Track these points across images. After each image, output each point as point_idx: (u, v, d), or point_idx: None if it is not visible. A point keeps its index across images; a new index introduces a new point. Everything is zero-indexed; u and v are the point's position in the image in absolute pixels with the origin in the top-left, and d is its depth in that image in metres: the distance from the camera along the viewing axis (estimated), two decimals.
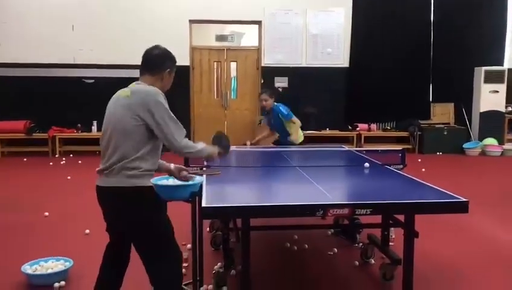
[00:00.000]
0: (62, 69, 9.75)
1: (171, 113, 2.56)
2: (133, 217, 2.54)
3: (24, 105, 9.63)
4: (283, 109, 5.67)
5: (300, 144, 5.74)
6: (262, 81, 10.28)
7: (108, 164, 2.52)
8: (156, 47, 2.75)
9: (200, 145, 2.72)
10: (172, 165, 2.93)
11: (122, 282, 2.82)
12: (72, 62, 9.77)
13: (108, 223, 2.70)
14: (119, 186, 2.49)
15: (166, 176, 3.02)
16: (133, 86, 2.63)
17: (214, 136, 3.23)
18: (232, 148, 5.59)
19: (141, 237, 2.60)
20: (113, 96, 2.66)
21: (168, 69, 2.72)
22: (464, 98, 10.56)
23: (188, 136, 9.76)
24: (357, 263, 3.91)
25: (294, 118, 5.65)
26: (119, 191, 2.50)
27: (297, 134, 5.73)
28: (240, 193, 3.31)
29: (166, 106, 2.55)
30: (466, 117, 10.56)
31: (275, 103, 5.74)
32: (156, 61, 2.69)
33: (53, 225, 5.02)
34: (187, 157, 3.75)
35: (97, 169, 2.61)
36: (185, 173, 2.87)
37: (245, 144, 5.72)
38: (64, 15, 9.72)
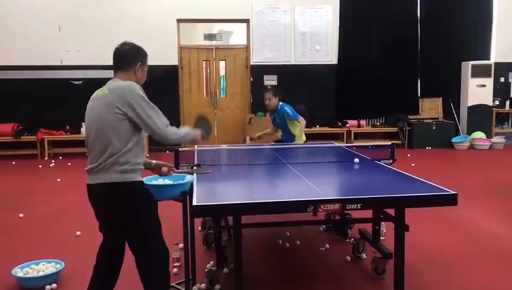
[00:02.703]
0: (49, 71, 9.69)
1: (151, 103, 2.62)
2: (124, 210, 2.57)
3: (11, 108, 9.55)
4: (288, 109, 5.55)
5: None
6: (251, 80, 10.29)
7: (99, 162, 2.54)
8: (124, 43, 2.78)
9: (184, 131, 2.84)
10: (154, 162, 3.00)
11: (116, 282, 2.81)
12: (59, 64, 9.71)
13: (100, 221, 2.70)
14: (111, 182, 2.52)
15: (157, 175, 3.02)
16: (109, 83, 2.67)
17: (197, 118, 3.32)
18: (223, 146, 5.61)
19: (130, 231, 2.63)
20: (91, 97, 2.70)
21: (139, 62, 2.74)
22: (451, 92, 10.66)
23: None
24: (348, 258, 3.94)
25: (300, 118, 5.53)
26: (111, 186, 2.53)
27: (300, 134, 5.60)
28: (230, 191, 3.31)
29: (145, 96, 2.60)
30: (454, 111, 10.65)
31: (280, 103, 5.63)
32: (126, 56, 2.72)
33: (44, 227, 4.99)
34: (176, 155, 3.76)
35: (86, 168, 2.62)
36: (164, 169, 2.97)
37: (247, 140, 5.60)
38: (50, 16, 9.65)
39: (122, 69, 2.71)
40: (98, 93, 2.66)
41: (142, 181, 2.64)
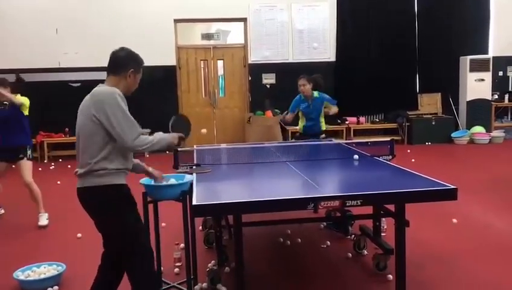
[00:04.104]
0: (47, 74, 9.67)
1: (127, 113, 2.56)
2: (103, 214, 2.61)
3: None
4: (327, 95, 5.76)
5: (324, 131, 5.83)
6: (249, 78, 10.28)
7: (79, 167, 2.61)
8: (122, 49, 2.77)
9: (157, 137, 2.68)
10: (150, 168, 3.00)
11: (119, 282, 2.81)
12: (57, 66, 9.70)
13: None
14: (89, 186, 2.57)
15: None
16: (94, 88, 2.67)
17: (171, 122, 3.08)
18: (222, 145, 5.60)
19: (112, 234, 2.66)
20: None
21: (132, 69, 2.73)
22: (450, 87, 10.65)
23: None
24: (350, 254, 3.94)
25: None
26: (90, 190, 2.58)
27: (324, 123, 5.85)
28: (230, 190, 3.31)
29: (122, 105, 2.56)
30: (453, 106, 10.65)
31: (316, 91, 5.73)
32: (120, 62, 2.72)
33: (44, 230, 5.00)
34: (176, 155, 3.74)
35: (74, 172, 2.66)
36: (156, 172, 3.00)
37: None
38: (47, 18, 9.63)
39: (113, 73, 2.72)
40: (85, 99, 2.67)
41: (121, 184, 2.62)
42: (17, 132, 5.04)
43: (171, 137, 2.81)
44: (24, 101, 5.13)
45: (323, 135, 5.74)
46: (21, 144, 5.09)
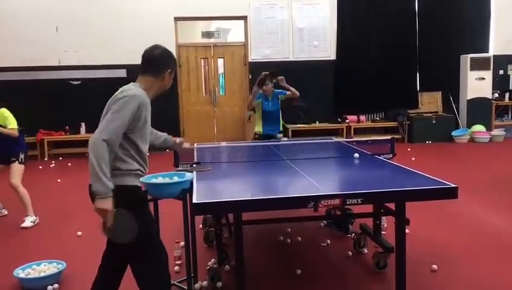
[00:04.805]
0: (47, 72, 9.67)
1: (123, 116, 2.37)
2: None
3: (10, 109, 9.51)
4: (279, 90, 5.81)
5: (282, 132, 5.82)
6: (250, 77, 10.27)
7: None
8: (157, 47, 2.67)
9: (104, 172, 2.29)
10: (178, 139, 3.12)
11: (120, 282, 2.79)
12: (57, 64, 9.70)
13: None
14: None
15: (156, 174, 3.01)
16: (127, 87, 2.57)
17: (119, 212, 2.42)
18: (222, 143, 5.59)
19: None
20: None
21: (170, 70, 2.65)
22: (450, 86, 10.65)
23: (178, 134, 9.64)
24: (350, 253, 3.94)
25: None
26: None
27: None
28: (231, 188, 3.30)
29: (130, 107, 2.40)
30: (453, 105, 10.65)
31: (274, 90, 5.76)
32: (158, 62, 2.62)
33: (45, 228, 4.99)
34: (176, 153, 3.71)
35: None
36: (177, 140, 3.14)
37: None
38: (47, 17, 9.63)
39: (150, 73, 2.60)
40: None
41: (135, 185, 2.54)
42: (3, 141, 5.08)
43: (108, 202, 2.33)
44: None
45: (281, 135, 5.72)
46: (9, 153, 5.14)
